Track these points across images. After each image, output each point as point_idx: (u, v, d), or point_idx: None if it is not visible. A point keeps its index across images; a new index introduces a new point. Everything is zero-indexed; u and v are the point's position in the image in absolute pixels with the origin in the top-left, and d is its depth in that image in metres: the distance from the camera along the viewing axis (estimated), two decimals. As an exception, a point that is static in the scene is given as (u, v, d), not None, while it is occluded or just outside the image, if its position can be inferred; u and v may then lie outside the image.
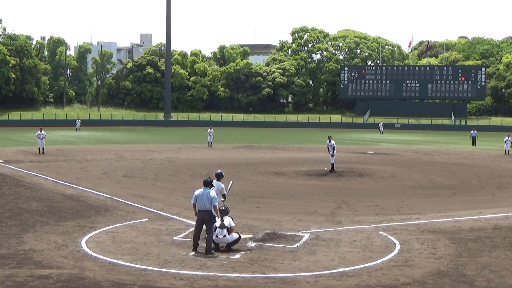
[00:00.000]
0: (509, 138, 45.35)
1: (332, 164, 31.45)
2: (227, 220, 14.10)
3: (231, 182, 17.03)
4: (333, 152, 31.36)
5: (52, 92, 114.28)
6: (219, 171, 16.03)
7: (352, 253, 13.90)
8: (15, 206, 19.80)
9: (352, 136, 73.95)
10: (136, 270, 12.26)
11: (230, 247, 13.98)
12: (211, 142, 49.38)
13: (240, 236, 14.33)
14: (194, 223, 14.39)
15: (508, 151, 44.75)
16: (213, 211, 13.87)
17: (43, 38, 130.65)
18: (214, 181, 15.29)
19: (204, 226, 13.92)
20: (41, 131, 40.96)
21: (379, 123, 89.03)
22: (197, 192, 14.14)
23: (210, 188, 14.18)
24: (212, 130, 50.19)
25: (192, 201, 14.23)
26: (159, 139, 62.03)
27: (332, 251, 14.15)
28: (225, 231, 13.94)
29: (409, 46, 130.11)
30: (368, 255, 13.73)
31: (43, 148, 40.41)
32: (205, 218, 13.83)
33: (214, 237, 13.90)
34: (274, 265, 12.76)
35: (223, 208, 14.46)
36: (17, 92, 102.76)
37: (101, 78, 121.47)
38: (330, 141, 31.67)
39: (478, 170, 33.66)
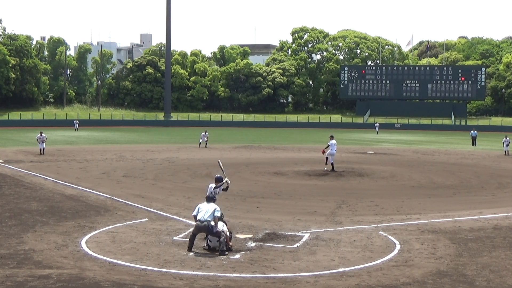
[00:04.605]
0: (507, 138, 45.36)
1: (332, 164, 31.47)
2: (220, 226, 14.03)
3: (219, 161, 17.19)
4: (331, 151, 31.29)
5: (52, 92, 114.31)
6: (219, 175, 15.97)
7: (352, 253, 13.90)
8: (15, 206, 19.79)
9: (352, 136, 73.95)
10: (136, 270, 12.26)
11: (228, 247, 13.91)
12: (206, 143, 49.08)
13: (230, 232, 14.31)
14: (194, 223, 14.37)
15: (507, 151, 44.74)
16: (212, 223, 13.78)
17: (43, 38, 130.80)
18: (211, 185, 15.56)
19: (208, 236, 13.97)
20: (41, 135, 40.60)
21: (376, 123, 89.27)
22: (200, 205, 14.25)
23: (214, 203, 14.26)
24: (207, 133, 49.83)
25: (193, 213, 14.30)
26: (159, 139, 62.04)
27: (332, 251, 14.14)
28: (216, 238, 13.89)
29: (407, 45, 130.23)
30: (368, 255, 13.73)
31: (43, 149, 40.08)
32: (203, 229, 13.79)
33: (208, 241, 13.91)
34: (274, 265, 12.75)
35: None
36: (17, 92, 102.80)
37: (101, 78, 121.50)
38: (331, 140, 31.71)
39: (478, 170, 33.65)
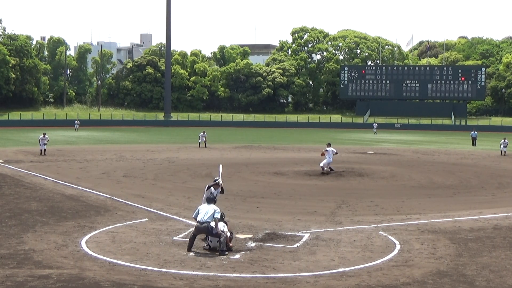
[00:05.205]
0: (506, 141, 45.31)
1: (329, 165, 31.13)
2: (221, 226, 14.04)
3: (220, 165, 17.56)
4: (329, 159, 30.87)
5: (52, 92, 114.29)
6: (217, 179, 16.14)
7: (352, 253, 13.90)
8: (15, 206, 19.79)
9: (352, 136, 73.95)
10: (136, 270, 12.26)
11: (228, 247, 13.93)
12: (205, 143, 49.10)
13: (231, 233, 14.35)
14: (194, 223, 14.40)
15: (505, 151, 44.65)
16: (212, 224, 13.81)
17: (43, 38, 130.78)
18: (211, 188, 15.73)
19: (208, 237, 14.00)
20: (44, 136, 40.38)
21: (374, 123, 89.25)
22: (200, 207, 14.28)
23: (214, 204, 14.28)
24: (205, 133, 49.89)
25: (193, 215, 14.37)
26: (159, 139, 62.04)
27: (332, 251, 14.14)
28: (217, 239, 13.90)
29: (407, 45, 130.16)
30: (368, 255, 13.73)
31: (44, 150, 39.82)
32: (202, 230, 13.81)
33: (209, 242, 13.92)
34: (274, 265, 12.75)
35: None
36: (17, 92, 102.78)
37: (101, 78, 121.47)
38: (328, 147, 31.21)
39: (478, 170, 33.65)
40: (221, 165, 17.92)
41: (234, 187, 24.44)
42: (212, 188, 15.68)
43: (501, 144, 45.35)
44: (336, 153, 31.54)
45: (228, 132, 77.75)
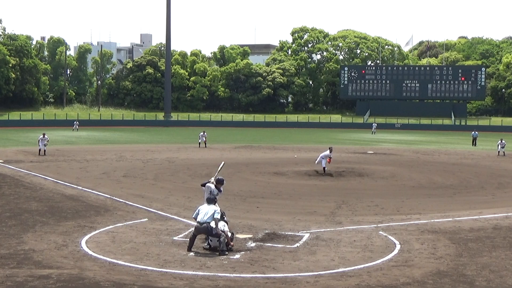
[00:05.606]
0: (503, 141, 45.29)
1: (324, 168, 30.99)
2: (221, 226, 14.04)
3: (222, 163, 17.57)
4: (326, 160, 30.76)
5: (52, 92, 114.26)
6: (220, 177, 16.06)
7: (352, 253, 13.90)
8: (15, 206, 19.80)
9: (352, 136, 73.95)
10: (136, 270, 12.26)
11: (229, 247, 13.94)
12: (205, 143, 49.06)
13: (232, 233, 14.35)
14: (194, 223, 14.40)
15: (503, 152, 44.63)
16: (212, 224, 13.80)
17: (43, 38, 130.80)
18: (210, 185, 15.68)
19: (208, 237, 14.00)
20: (44, 136, 40.27)
21: (373, 123, 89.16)
22: (200, 207, 14.28)
23: (215, 204, 14.27)
24: (205, 133, 49.84)
25: (193, 216, 14.37)
26: (159, 139, 62.04)
27: (332, 251, 14.14)
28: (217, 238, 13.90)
29: (406, 45, 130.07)
30: (368, 255, 13.73)
31: (44, 150, 39.69)
32: (202, 231, 13.81)
33: (209, 241, 13.93)
34: (274, 265, 12.75)
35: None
36: (17, 92, 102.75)
37: (101, 78, 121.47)
38: (330, 152, 31.16)
39: (478, 170, 33.66)
40: (223, 162, 17.84)
41: (234, 187, 24.45)
42: (212, 186, 15.65)
43: (498, 145, 45.31)
44: (325, 158, 31.03)
45: (228, 132, 77.75)
